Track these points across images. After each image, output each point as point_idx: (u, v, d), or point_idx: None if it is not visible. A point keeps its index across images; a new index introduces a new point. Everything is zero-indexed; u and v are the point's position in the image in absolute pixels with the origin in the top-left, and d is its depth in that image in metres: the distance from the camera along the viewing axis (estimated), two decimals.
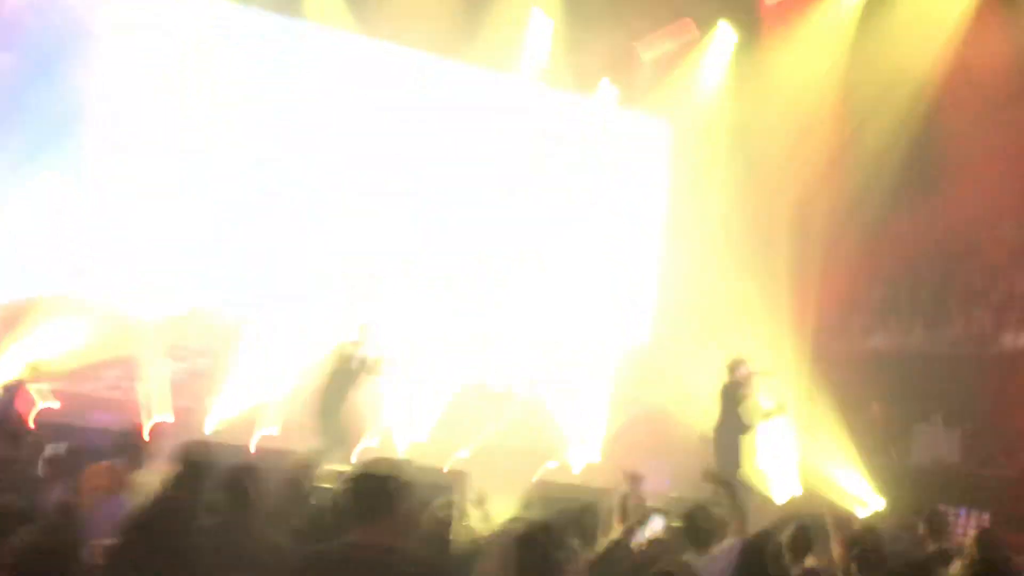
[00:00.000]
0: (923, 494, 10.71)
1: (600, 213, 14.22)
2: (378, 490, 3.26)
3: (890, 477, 11.62)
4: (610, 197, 14.40)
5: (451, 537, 4.89)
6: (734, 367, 9.88)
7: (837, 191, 14.09)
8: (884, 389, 13.12)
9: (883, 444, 12.35)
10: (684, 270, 13.94)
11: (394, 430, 11.11)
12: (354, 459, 8.65)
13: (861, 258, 14.99)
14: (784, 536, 6.49)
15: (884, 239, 15.47)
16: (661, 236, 14.68)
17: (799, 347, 13.64)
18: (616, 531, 6.05)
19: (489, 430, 10.90)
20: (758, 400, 9.94)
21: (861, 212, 14.60)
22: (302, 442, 8.48)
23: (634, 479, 6.11)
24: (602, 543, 5.75)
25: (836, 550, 6.37)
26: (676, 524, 5.60)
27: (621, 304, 13.93)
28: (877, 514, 10.81)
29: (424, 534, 4.80)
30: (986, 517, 10.56)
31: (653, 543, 5.69)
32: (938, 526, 7.37)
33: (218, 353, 11.36)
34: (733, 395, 9.76)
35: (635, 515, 6.13)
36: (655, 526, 5.13)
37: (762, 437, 10.05)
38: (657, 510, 5.48)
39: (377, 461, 3.44)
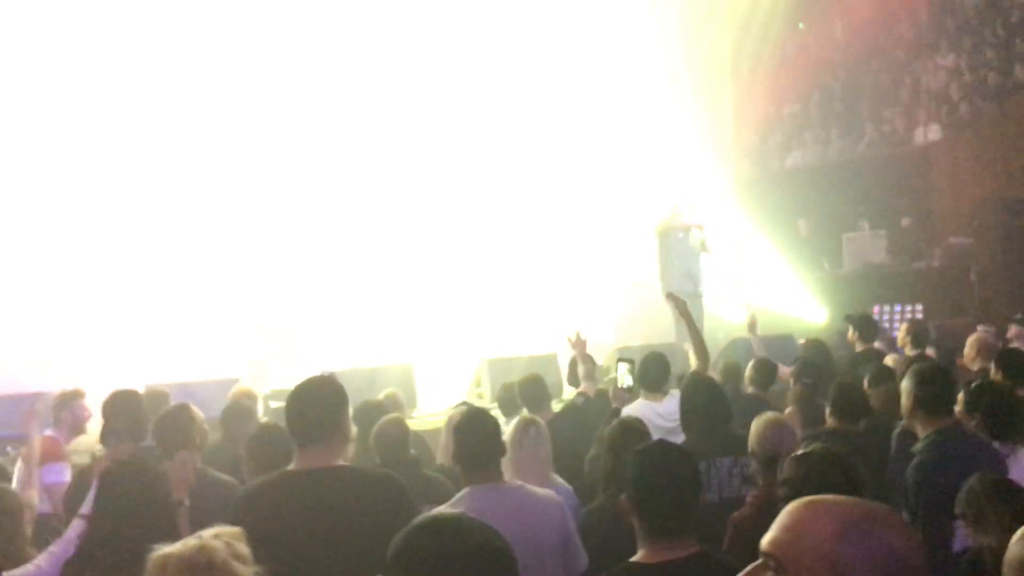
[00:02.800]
0: (860, 298, 11.06)
1: None
2: (317, 406, 3.18)
3: (827, 287, 11.94)
4: None
5: (406, 435, 4.84)
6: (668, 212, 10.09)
7: (734, 14, 13.93)
8: (809, 204, 13.33)
9: (815, 258, 12.62)
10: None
11: None
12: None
13: (768, 78, 15.00)
14: (748, 368, 6.71)
15: (788, 55, 15.46)
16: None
17: (722, 174, 13.72)
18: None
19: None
20: (692, 236, 10.09)
21: (761, 31, 14.51)
22: None
23: (579, 343, 6.16)
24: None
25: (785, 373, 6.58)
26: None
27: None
28: (819, 326, 11.14)
29: (376, 442, 4.74)
30: (920, 308, 10.94)
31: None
32: (864, 327, 7.65)
33: None
34: (667, 237, 10.02)
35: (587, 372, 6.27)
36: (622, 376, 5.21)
37: (703, 268, 10.18)
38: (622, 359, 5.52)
39: (311, 379, 3.33)
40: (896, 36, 15.42)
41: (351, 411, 4.92)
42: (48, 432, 5.47)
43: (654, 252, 10.36)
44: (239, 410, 5.35)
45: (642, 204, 11.73)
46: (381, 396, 6.01)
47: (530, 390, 5.82)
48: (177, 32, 10.54)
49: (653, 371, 5.55)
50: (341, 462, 3.25)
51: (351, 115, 11.44)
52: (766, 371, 6.58)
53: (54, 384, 6.32)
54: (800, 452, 3.12)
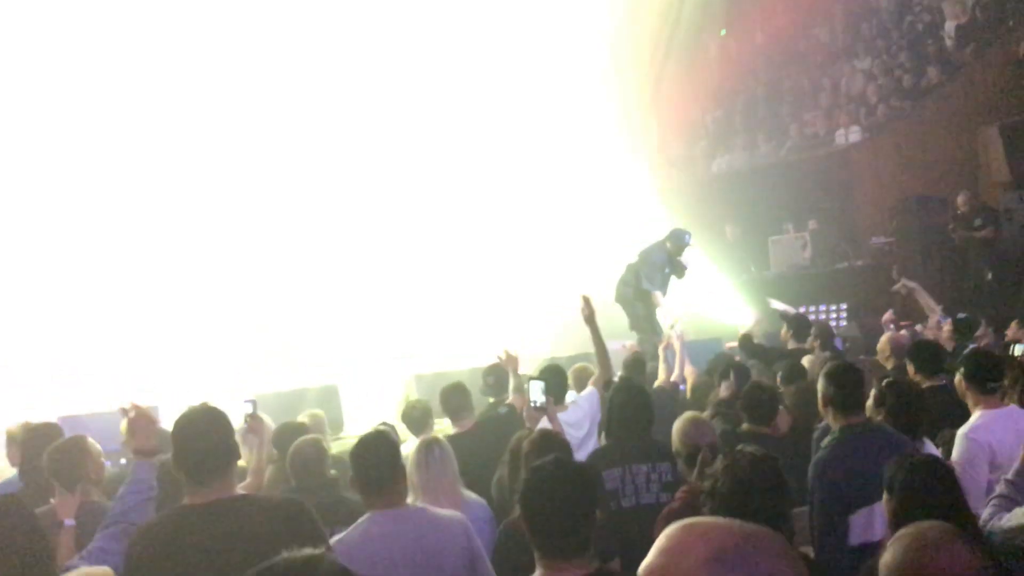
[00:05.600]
0: (786, 300, 11.21)
1: None
2: (206, 437, 3.08)
3: (756, 289, 12.09)
4: None
5: (322, 455, 4.75)
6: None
7: (657, 22, 14.10)
8: (735, 209, 13.50)
9: (743, 261, 12.78)
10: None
11: None
12: None
13: (691, 86, 15.19)
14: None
15: (711, 62, 15.70)
16: None
17: (649, 183, 13.83)
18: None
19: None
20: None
21: (684, 38, 14.71)
22: None
23: (509, 359, 6.16)
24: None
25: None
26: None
27: None
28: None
29: (292, 463, 4.66)
30: (844, 307, 11.15)
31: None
32: (796, 327, 7.87)
33: None
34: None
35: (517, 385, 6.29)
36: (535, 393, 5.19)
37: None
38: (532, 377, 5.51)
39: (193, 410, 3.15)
40: (814, 41, 15.75)
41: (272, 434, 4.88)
42: None
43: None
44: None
45: (572, 214, 11.79)
46: (302, 418, 5.90)
47: (454, 398, 5.73)
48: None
49: (553, 384, 5.48)
50: (239, 492, 3.18)
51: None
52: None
53: None
54: (728, 457, 3.08)
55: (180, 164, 10.51)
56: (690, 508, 3.50)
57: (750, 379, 5.79)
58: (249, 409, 4.52)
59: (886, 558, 1.93)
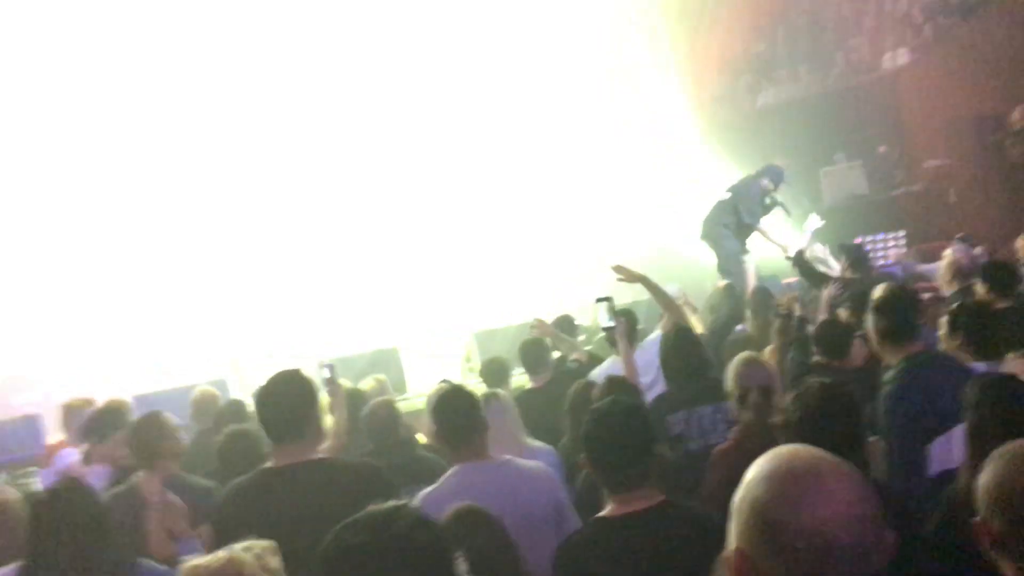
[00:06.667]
0: (842, 230, 11.03)
1: None
2: (287, 402, 3.18)
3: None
4: None
5: (395, 417, 4.84)
6: None
7: None
8: (784, 141, 13.24)
9: (794, 195, 12.56)
10: None
11: None
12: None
13: (729, 21, 14.87)
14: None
15: None
16: None
17: (695, 122, 13.65)
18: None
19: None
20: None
21: None
22: None
23: (540, 326, 6.24)
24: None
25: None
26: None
27: None
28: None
29: (367, 427, 4.75)
30: (902, 235, 10.94)
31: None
32: (854, 256, 7.74)
33: None
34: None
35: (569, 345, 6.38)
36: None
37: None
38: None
39: (278, 375, 3.27)
40: None
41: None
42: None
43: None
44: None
45: (614, 160, 11.69)
46: (367, 382, 6.02)
47: (531, 353, 5.85)
48: (166, 18, 10.45)
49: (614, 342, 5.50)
50: (319, 455, 3.26)
51: (330, 108, 11.33)
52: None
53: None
54: (798, 387, 3.08)
55: (217, 144, 10.63)
56: (741, 447, 3.52)
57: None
58: (327, 374, 4.63)
59: (986, 478, 1.90)
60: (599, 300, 5.32)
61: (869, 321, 4.06)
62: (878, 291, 4.20)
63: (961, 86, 12.18)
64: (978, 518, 1.91)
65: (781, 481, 1.34)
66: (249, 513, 3.06)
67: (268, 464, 3.19)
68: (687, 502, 2.86)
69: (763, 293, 7.03)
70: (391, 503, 1.64)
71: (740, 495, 1.39)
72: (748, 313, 6.78)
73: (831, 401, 2.80)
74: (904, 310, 4.01)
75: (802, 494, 1.32)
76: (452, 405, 3.54)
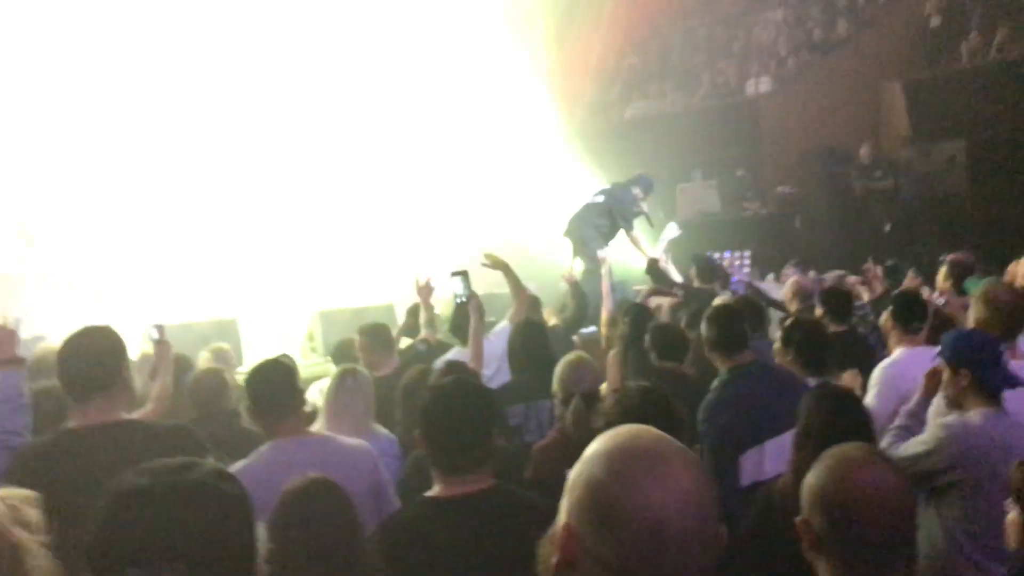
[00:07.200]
0: (692, 246, 11.32)
1: None
2: (93, 356, 2.94)
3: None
4: None
5: (223, 386, 4.60)
6: None
7: None
8: (646, 153, 13.51)
9: (653, 206, 12.82)
10: None
11: None
12: None
13: (608, 31, 15.10)
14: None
15: (628, 8, 15.60)
16: None
17: (564, 126, 13.77)
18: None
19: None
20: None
21: None
22: None
23: (425, 288, 6.09)
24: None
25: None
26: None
27: None
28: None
29: (192, 394, 4.52)
30: (748, 255, 11.32)
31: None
32: (703, 268, 7.97)
33: None
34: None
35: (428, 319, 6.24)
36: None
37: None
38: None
39: (85, 329, 3.03)
40: None
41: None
42: None
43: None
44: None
45: (482, 156, 11.64)
46: (207, 351, 5.71)
47: (377, 337, 5.46)
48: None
49: (464, 320, 5.38)
50: (127, 416, 3.03)
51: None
52: None
53: None
54: (618, 392, 3.10)
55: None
56: (560, 446, 3.51)
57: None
58: (155, 335, 4.33)
59: (810, 480, 1.92)
60: (455, 273, 5.20)
61: (703, 331, 4.15)
62: (714, 302, 4.30)
63: (816, 118, 12.75)
64: (800, 518, 1.91)
65: (619, 459, 1.28)
66: (44, 475, 2.79)
67: (69, 424, 2.92)
68: (517, 488, 2.79)
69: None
70: (186, 458, 1.48)
71: (576, 470, 1.32)
72: (604, 314, 6.80)
73: (649, 405, 2.81)
74: (732, 322, 4.11)
75: (639, 474, 1.25)
76: (267, 377, 3.36)
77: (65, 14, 9.72)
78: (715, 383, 4.05)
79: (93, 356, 2.92)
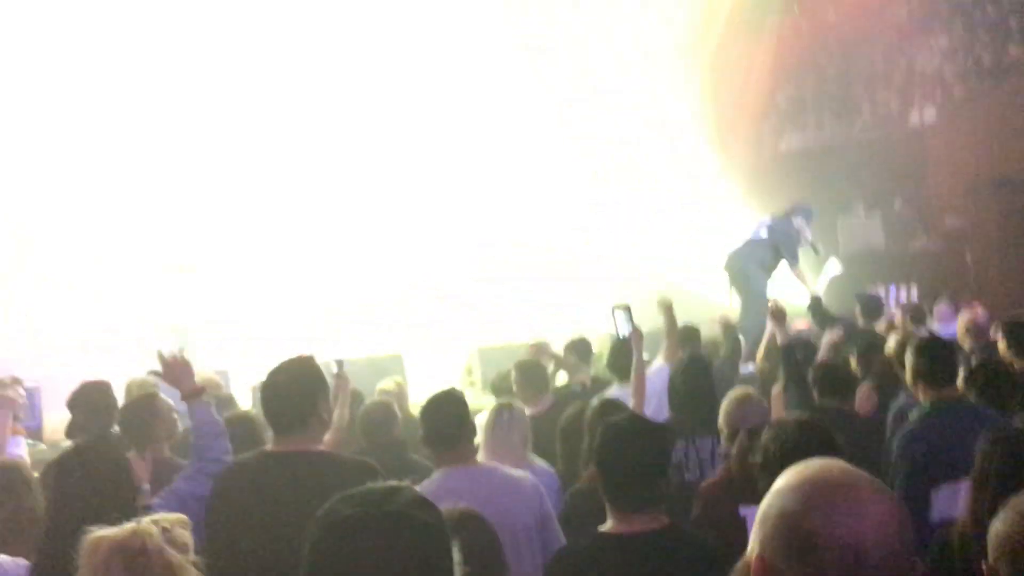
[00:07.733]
0: (856, 281, 10.99)
1: None
2: (293, 390, 3.13)
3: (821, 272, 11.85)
4: None
5: (392, 418, 4.81)
6: None
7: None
8: (803, 187, 13.22)
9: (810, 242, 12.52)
10: None
11: None
12: None
13: (762, 62, 14.91)
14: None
15: (781, 39, 15.37)
16: None
17: (717, 160, 13.66)
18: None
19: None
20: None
21: (756, 16, 14.44)
22: None
23: (537, 348, 6.23)
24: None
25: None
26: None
27: None
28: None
29: (361, 425, 4.74)
30: (914, 289, 10.90)
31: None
32: (868, 306, 7.76)
33: None
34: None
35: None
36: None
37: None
38: None
39: (287, 362, 3.21)
40: (889, 18, 15.32)
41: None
42: None
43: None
44: None
45: (631, 193, 11.69)
46: (388, 384, 5.89)
47: (527, 375, 5.51)
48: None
49: (623, 357, 5.43)
50: (318, 448, 3.22)
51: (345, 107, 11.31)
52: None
53: None
54: (773, 427, 3.08)
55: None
56: (728, 483, 3.48)
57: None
58: (335, 369, 4.61)
59: (997, 527, 1.88)
60: (617, 308, 5.18)
61: (907, 359, 4.05)
62: (923, 337, 4.24)
63: (986, 148, 12.16)
64: (987, 563, 1.87)
65: (812, 490, 1.30)
66: (243, 491, 3.03)
67: (267, 448, 3.15)
68: (690, 528, 2.80)
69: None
70: (393, 483, 1.58)
71: (768, 503, 1.34)
72: (761, 352, 6.71)
73: (809, 438, 2.76)
74: (945, 356, 4.01)
75: (834, 504, 1.27)
76: (441, 408, 3.51)
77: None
78: (914, 414, 3.97)
79: (294, 391, 3.09)
